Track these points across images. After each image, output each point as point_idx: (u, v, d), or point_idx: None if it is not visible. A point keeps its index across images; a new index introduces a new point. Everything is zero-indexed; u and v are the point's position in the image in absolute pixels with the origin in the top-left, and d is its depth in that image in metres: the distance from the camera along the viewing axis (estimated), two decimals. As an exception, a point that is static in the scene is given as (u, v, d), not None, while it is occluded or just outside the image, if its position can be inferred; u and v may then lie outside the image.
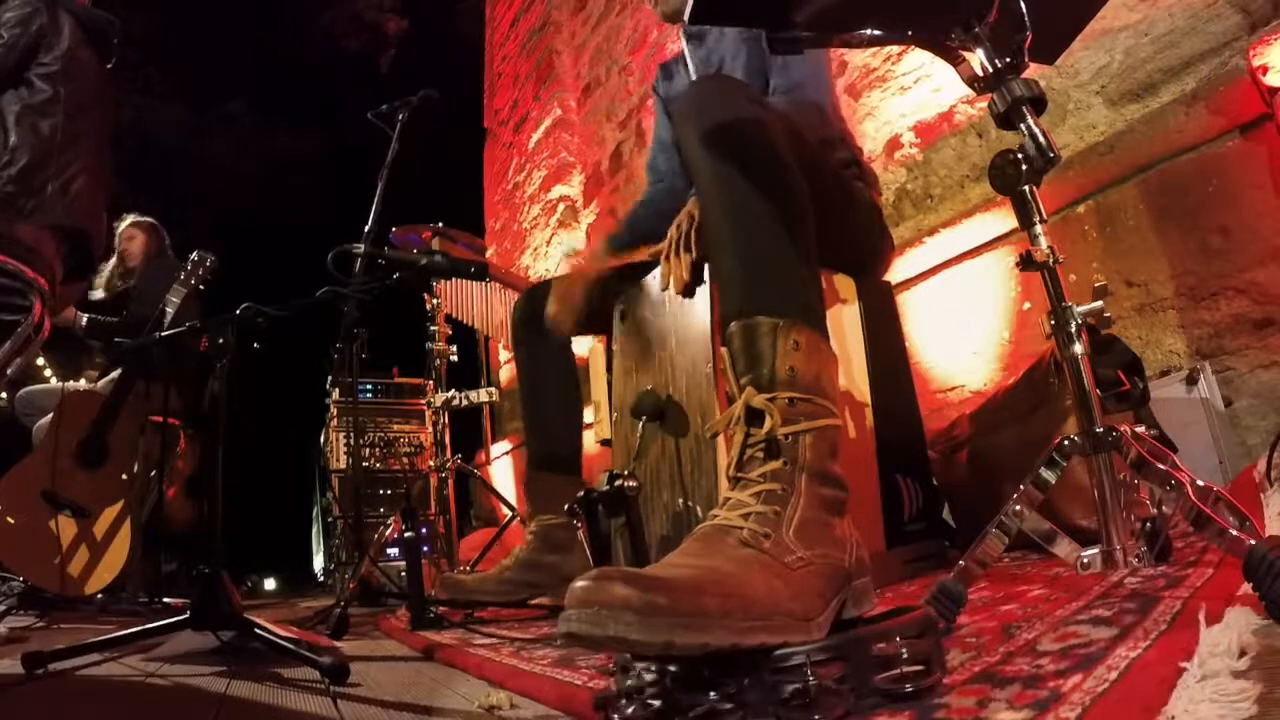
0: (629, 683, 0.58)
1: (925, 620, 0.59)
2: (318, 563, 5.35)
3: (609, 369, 1.51)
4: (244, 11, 9.73)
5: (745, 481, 0.69)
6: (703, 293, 1.23)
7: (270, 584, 9.37)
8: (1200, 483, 0.69)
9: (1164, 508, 0.74)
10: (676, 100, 1.45)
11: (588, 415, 1.87)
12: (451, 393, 2.94)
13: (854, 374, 1.33)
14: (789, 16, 0.80)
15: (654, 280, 1.36)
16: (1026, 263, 0.79)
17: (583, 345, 1.83)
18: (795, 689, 0.52)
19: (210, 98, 10.13)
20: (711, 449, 1.20)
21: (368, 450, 3.57)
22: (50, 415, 2.27)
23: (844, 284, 1.37)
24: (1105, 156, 1.77)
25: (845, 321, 1.35)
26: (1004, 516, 0.78)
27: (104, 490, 2.11)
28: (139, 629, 1.19)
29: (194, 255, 2.33)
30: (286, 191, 10.00)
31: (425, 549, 2.97)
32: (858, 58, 2.53)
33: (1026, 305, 1.90)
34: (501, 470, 4.46)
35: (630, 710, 0.57)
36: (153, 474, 2.33)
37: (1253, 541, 0.61)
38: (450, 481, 3.18)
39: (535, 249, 4.62)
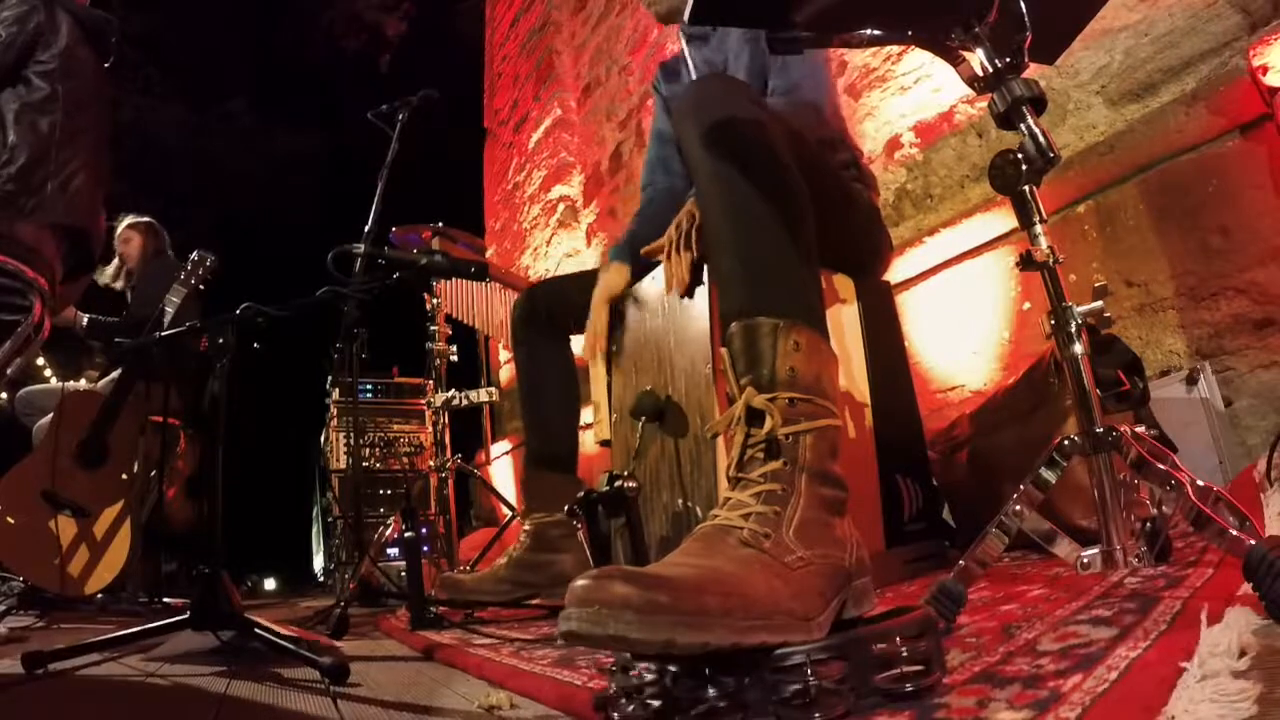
0: (629, 682, 0.58)
1: (925, 620, 0.59)
2: (318, 563, 5.35)
3: (609, 369, 1.51)
4: (244, 11, 9.74)
5: (745, 482, 0.69)
6: (702, 293, 1.23)
7: (270, 584, 9.38)
8: (1200, 483, 0.69)
9: (1164, 508, 0.74)
10: (676, 100, 1.45)
11: (587, 415, 1.87)
12: (451, 393, 2.94)
13: (854, 374, 1.33)
14: (789, 16, 0.80)
15: (654, 280, 1.36)
16: (1026, 263, 0.79)
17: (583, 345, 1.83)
18: (795, 688, 0.52)
19: (210, 98, 10.15)
20: (711, 449, 1.20)
21: (368, 450, 3.57)
22: (50, 415, 2.27)
23: (843, 284, 1.37)
24: (1105, 156, 1.77)
25: (845, 321, 1.35)
26: (1004, 516, 0.78)
27: (104, 490, 2.11)
28: (139, 629, 1.19)
29: (194, 255, 2.33)
30: (286, 191, 10.02)
31: (425, 549, 2.96)
32: (858, 58, 2.53)
33: (1026, 305, 1.90)
34: (501, 470, 4.46)
35: (630, 709, 0.57)
36: (153, 474, 2.33)
37: (1253, 541, 0.61)
38: (450, 481, 3.18)
39: (535, 249, 4.63)
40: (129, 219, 3.21)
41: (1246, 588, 0.61)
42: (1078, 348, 0.78)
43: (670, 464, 1.28)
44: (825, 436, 0.71)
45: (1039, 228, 0.79)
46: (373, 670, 1.15)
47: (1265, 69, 1.41)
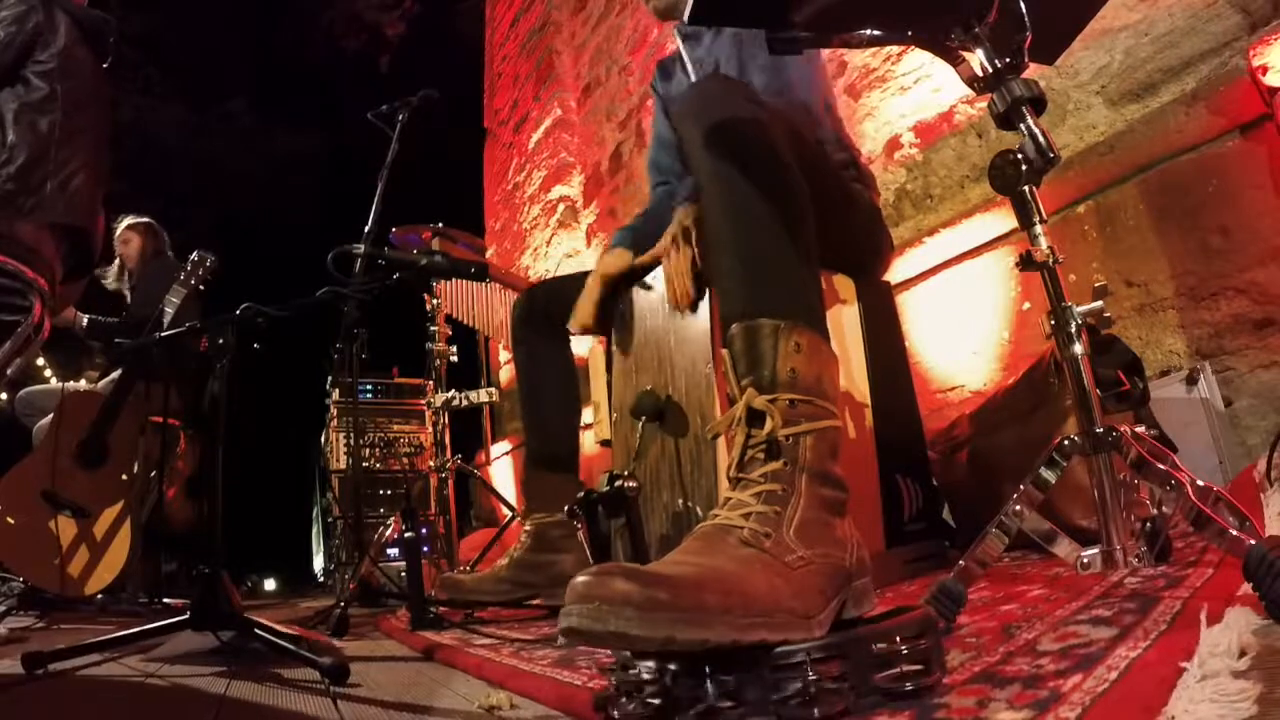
0: (628, 680, 0.58)
1: (925, 620, 0.59)
2: (318, 563, 5.35)
3: (609, 369, 1.51)
4: (244, 11, 9.75)
5: (746, 482, 0.69)
6: (702, 293, 1.23)
7: (270, 584, 9.37)
8: (1200, 483, 0.69)
9: (1164, 508, 0.74)
10: (677, 100, 1.45)
11: (587, 415, 1.87)
12: (451, 393, 2.94)
13: (854, 374, 1.33)
14: (789, 16, 0.81)
15: (653, 281, 1.37)
16: (1026, 263, 0.80)
17: (583, 345, 1.83)
18: (795, 687, 0.52)
19: (210, 98, 10.15)
20: (711, 449, 1.20)
21: (368, 450, 3.57)
22: (50, 415, 2.27)
23: (844, 284, 1.37)
24: (1105, 156, 1.77)
25: (845, 322, 1.35)
26: (1004, 516, 0.78)
27: (104, 490, 2.11)
28: (139, 629, 1.19)
29: (194, 255, 2.33)
30: (286, 191, 10.02)
31: (425, 549, 2.97)
32: (858, 58, 2.53)
33: (1026, 305, 1.90)
34: (501, 470, 4.46)
35: (630, 707, 0.57)
36: (153, 474, 2.33)
37: (1253, 541, 0.61)
38: (450, 482, 3.18)
39: (535, 249, 4.63)
40: (128, 220, 3.21)
41: (1246, 588, 0.61)
42: (1078, 348, 0.78)
43: (670, 464, 1.28)
44: (825, 437, 0.72)
45: (1039, 228, 0.79)
46: (373, 670, 1.15)
47: (1265, 69, 1.41)
